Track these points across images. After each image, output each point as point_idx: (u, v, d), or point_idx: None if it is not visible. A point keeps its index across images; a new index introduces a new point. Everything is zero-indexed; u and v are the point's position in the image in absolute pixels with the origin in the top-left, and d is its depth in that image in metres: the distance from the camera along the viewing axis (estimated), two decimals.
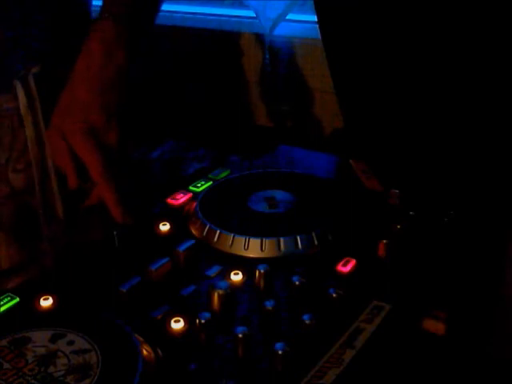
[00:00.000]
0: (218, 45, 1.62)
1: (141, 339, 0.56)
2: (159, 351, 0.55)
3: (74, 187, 0.80)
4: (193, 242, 0.68)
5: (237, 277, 0.64)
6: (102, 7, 0.82)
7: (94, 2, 0.99)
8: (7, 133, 0.89)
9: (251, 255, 0.68)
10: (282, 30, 1.52)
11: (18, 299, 0.62)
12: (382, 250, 0.66)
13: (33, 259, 0.92)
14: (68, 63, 0.91)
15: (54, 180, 0.91)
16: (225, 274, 0.64)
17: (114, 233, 0.71)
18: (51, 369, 0.53)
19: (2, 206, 0.90)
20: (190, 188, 0.82)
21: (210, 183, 0.82)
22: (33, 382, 0.52)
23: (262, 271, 0.62)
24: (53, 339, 0.56)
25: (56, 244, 0.94)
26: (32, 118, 0.90)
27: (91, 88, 0.78)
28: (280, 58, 1.54)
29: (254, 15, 1.53)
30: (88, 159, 0.78)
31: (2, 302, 0.62)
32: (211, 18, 1.68)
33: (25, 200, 0.92)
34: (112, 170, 0.78)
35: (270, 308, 0.58)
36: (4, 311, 0.61)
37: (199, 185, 0.82)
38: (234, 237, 0.69)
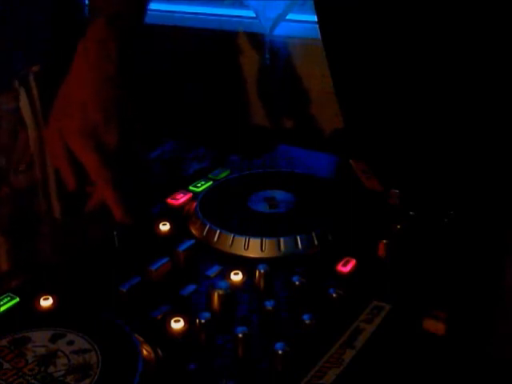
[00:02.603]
0: (218, 45, 1.62)
1: (141, 339, 0.56)
2: (159, 351, 0.55)
3: (73, 188, 0.80)
4: (193, 241, 0.68)
5: (237, 277, 0.64)
6: (93, 7, 0.82)
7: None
8: (6, 134, 0.89)
9: (251, 255, 0.68)
10: (282, 30, 1.52)
11: (17, 299, 0.62)
12: (382, 250, 0.66)
13: (31, 260, 0.92)
14: (68, 63, 0.91)
15: (52, 180, 0.91)
16: (225, 274, 0.64)
17: (114, 233, 0.71)
18: (51, 369, 0.53)
19: (1, 207, 0.90)
20: (190, 188, 0.82)
21: (210, 183, 0.82)
22: (33, 381, 0.52)
23: (261, 271, 0.62)
24: (53, 339, 0.56)
25: (55, 244, 0.94)
26: (33, 118, 0.90)
27: (88, 87, 0.78)
28: (280, 58, 1.54)
29: (254, 15, 1.53)
30: (85, 159, 0.78)
31: (1, 302, 0.62)
32: (211, 17, 1.68)
33: (25, 201, 0.92)
34: (111, 170, 0.78)
35: (270, 308, 0.58)
36: (4, 311, 0.61)
37: (199, 185, 0.82)
38: (233, 237, 0.69)
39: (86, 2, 0.97)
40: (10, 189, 0.90)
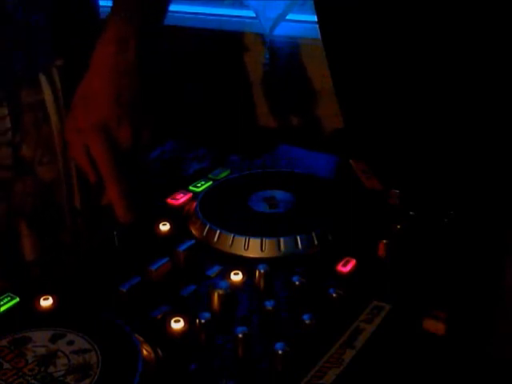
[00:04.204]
0: (218, 45, 1.62)
1: (141, 339, 0.56)
2: (159, 351, 0.55)
3: (94, 181, 0.81)
4: (193, 242, 0.68)
5: (237, 277, 0.64)
6: (113, 6, 0.83)
7: (101, 3, 1.00)
8: (32, 127, 0.90)
9: (251, 255, 0.68)
10: (282, 30, 1.52)
11: (17, 299, 0.62)
12: (382, 250, 0.66)
13: (55, 251, 0.93)
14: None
15: (74, 173, 0.92)
16: (225, 274, 0.64)
17: (114, 233, 0.71)
18: (51, 369, 0.53)
19: (26, 198, 0.91)
20: (190, 188, 0.82)
21: (210, 183, 0.82)
22: (33, 381, 0.52)
23: (261, 271, 0.62)
24: (53, 339, 0.56)
25: (78, 237, 0.95)
26: (56, 111, 0.91)
27: (105, 83, 0.79)
28: (280, 58, 1.54)
29: (254, 15, 1.53)
30: (97, 155, 0.79)
31: (2, 302, 0.62)
32: (211, 18, 1.68)
33: (48, 193, 0.93)
34: (120, 167, 0.79)
35: (270, 308, 0.58)
36: (4, 311, 0.61)
37: (199, 185, 0.82)
38: (233, 237, 0.69)
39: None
40: (35, 180, 0.91)
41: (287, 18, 1.52)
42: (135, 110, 0.80)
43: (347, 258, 0.65)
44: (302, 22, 1.54)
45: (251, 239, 0.68)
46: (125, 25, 0.80)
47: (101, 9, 0.99)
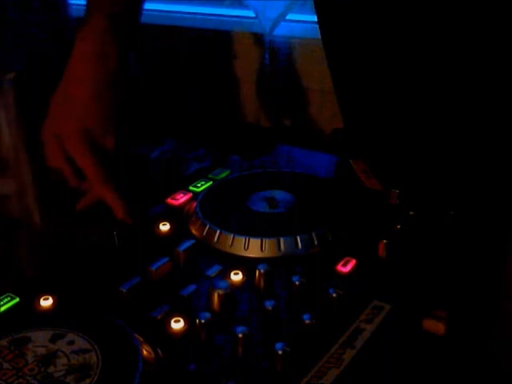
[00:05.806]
0: (217, 45, 1.62)
1: (141, 339, 0.56)
2: (159, 351, 0.55)
3: (75, 186, 0.80)
4: (193, 242, 0.68)
5: (237, 277, 0.64)
6: (89, 7, 0.81)
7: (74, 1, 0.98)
8: None
9: (251, 255, 0.68)
10: (282, 30, 1.52)
11: (17, 299, 0.62)
12: (381, 250, 0.66)
13: (9, 265, 0.92)
14: (47, 68, 0.90)
15: (30, 188, 0.90)
16: (225, 274, 0.64)
17: (114, 233, 0.71)
18: (51, 369, 0.53)
19: None
20: (190, 188, 0.82)
21: (210, 183, 0.82)
22: (33, 382, 0.52)
23: (262, 271, 0.62)
24: (53, 339, 0.56)
25: (35, 252, 0.93)
26: (7, 126, 0.89)
27: (86, 90, 0.78)
28: (280, 58, 1.54)
29: (254, 15, 1.53)
30: (82, 162, 0.78)
31: (2, 302, 0.62)
32: (211, 18, 1.68)
33: (3, 207, 0.91)
34: (109, 172, 0.78)
35: (269, 308, 0.58)
36: (4, 311, 0.61)
37: (199, 185, 0.82)
38: (234, 237, 0.69)
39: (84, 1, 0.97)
40: None
41: (287, 18, 1.52)
42: (119, 113, 0.79)
43: (347, 258, 0.65)
44: (302, 22, 1.54)
45: (251, 239, 0.68)
46: (105, 27, 0.78)
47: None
